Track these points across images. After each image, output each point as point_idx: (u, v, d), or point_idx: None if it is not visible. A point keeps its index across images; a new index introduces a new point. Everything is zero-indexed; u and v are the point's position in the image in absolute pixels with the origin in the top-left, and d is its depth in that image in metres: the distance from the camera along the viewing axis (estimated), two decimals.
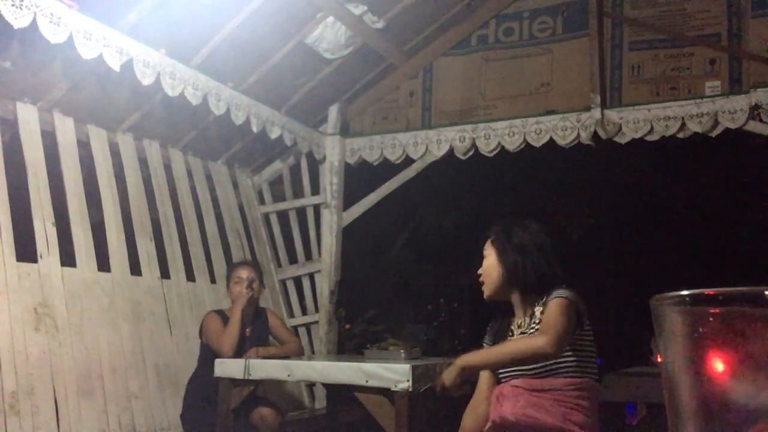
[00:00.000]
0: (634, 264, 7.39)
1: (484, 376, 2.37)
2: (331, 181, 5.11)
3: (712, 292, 0.53)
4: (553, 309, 2.18)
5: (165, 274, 4.22)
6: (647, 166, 6.65)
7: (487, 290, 2.37)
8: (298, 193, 5.26)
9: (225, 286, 4.00)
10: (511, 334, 2.34)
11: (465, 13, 4.86)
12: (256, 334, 3.82)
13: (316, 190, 5.18)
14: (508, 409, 2.19)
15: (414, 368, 3.08)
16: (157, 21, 3.53)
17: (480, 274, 2.39)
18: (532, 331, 2.24)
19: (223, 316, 3.78)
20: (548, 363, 2.18)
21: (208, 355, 3.69)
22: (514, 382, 2.23)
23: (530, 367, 2.20)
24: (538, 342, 2.12)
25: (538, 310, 2.26)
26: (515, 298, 2.35)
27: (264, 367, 3.50)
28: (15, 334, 3.22)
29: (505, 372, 2.28)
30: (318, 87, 4.84)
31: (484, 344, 2.44)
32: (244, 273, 3.84)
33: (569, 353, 2.20)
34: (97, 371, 3.57)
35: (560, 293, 2.21)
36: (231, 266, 4.12)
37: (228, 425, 3.48)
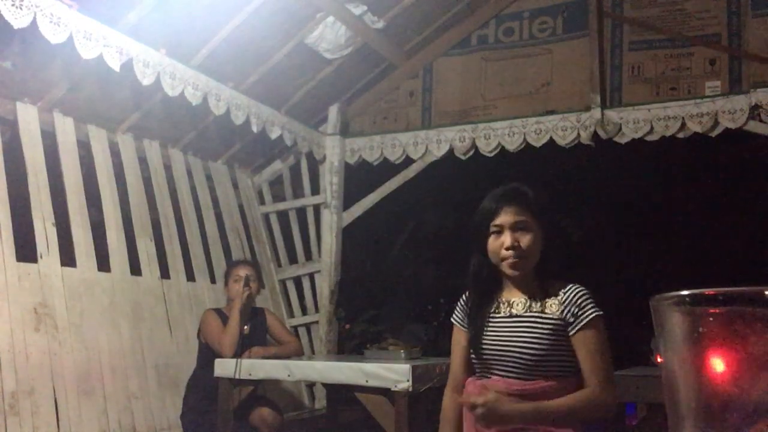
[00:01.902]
0: (634, 264, 7.38)
1: (457, 360, 2.14)
2: (331, 181, 5.10)
3: (712, 292, 0.53)
4: (595, 341, 1.93)
5: (165, 274, 4.22)
6: (647, 166, 6.65)
7: (524, 268, 2.00)
8: (298, 193, 5.26)
9: (224, 284, 4.00)
10: (497, 307, 2.04)
11: (465, 13, 4.86)
12: (253, 333, 3.82)
13: (316, 190, 5.18)
14: None
15: (414, 368, 3.08)
16: (157, 21, 3.53)
17: (517, 246, 1.97)
18: (535, 318, 1.98)
19: (222, 315, 3.78)
20: (540, 364, 1.94)
21: (208, 354, 3.68)
22: (495, 381, 1.97)
23: (515, 366, 1.97)
24: (599, 398, 1.90)
25: (551, 301, 1.98)
26: (518, 276, 2.03)
27: (264, 367, 3.50)
28: (15, 334, 3.22)
29: (485, 363, 2.03)
30: (318, 87, 4.83)
31: (454, 321, 2.16)
32: (243, 271, 3.84)
33: (565, 353, 1.96)
34: (97, 371, 3.57)
35: (592, 306, 1.95)
36: (230, 264, 4.12)
37: (228, 425, 3.48)
